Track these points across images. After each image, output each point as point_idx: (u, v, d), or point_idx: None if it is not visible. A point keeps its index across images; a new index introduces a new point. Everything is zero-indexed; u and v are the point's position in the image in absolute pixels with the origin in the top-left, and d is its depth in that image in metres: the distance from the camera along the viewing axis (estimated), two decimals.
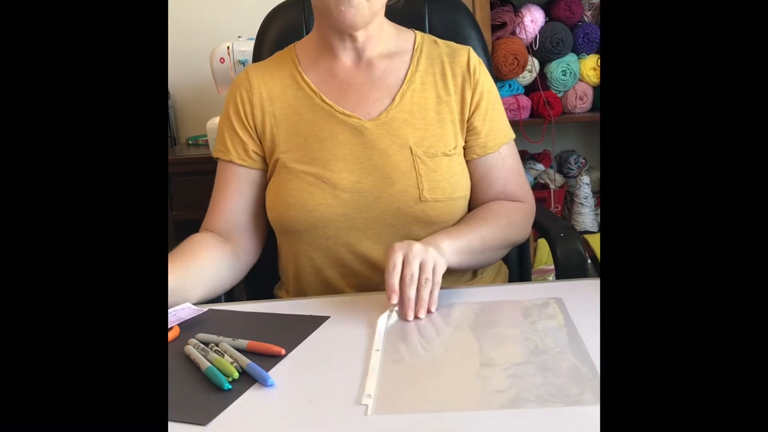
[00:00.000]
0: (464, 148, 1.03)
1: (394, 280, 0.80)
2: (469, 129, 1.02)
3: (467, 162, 1.03)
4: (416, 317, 0.80)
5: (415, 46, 1.05)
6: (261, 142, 1.03)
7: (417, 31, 1.08)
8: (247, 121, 1.03)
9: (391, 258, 0.82)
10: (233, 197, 1.04)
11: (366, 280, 1.00)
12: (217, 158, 1.06)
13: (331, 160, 0.98)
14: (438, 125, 1.00)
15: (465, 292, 0.90)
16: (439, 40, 1.07)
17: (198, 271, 0.95)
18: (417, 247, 0.83)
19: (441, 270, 0.83)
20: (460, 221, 1.00)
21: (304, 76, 1.03)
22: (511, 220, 1.02)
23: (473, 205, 1.04)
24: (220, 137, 1.06)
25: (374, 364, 0.69)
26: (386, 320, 0.79)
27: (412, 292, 0.80)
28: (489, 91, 1.04)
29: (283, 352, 0.73)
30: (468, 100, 1.02)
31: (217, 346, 0.75)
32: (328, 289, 1.01)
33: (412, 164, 0.97)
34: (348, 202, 0.96)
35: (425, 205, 0.96)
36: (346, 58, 1.03)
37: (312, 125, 1.00)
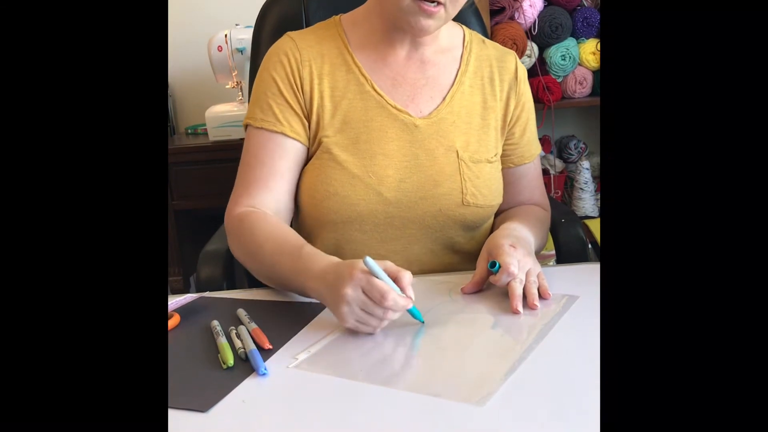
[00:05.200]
0: (501, 155, 1.03)
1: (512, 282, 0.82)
2: (508, 137, 1.03)
3: (501, 169, 1.04)
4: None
5: (465, 43, 1.03)
6: (308, 119, 0.96)
7: (463, 26, 1.06)
8: (298, 92, 0.95)
9: (509, 266, 0.81)
10: (285, 176, 0.95)
11: None
12: (259, 127, 0.96)
13: (378, 154, 0.94)
14: (483, 131, 1.00)
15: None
16: (487, 40, 1.06)
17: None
18: (526, 261, 0.84)
19: (540, 274, 0.85)
20: (522, 218, 0.98)
21: (355, 58, 0.98)
22: (546, 228, 1.06)
23: (498, 209, 1.04)
24: (262, 105, 0.96)
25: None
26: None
27: (519, 291, 0.80)
28: (529, 101, 1.06)
29: (267, 346, 0.72)
30: (511, 109, 1.02)
31: (236, 329, 0.76)
32: None
33: (457, 168, 0.96)
34: (391, 200, 0.94)
35: (466, 209, 0.96)
36: (402, 49, 0.99)
37: (361, 113, 0.96)
